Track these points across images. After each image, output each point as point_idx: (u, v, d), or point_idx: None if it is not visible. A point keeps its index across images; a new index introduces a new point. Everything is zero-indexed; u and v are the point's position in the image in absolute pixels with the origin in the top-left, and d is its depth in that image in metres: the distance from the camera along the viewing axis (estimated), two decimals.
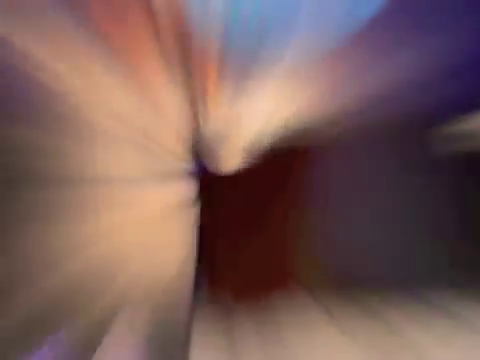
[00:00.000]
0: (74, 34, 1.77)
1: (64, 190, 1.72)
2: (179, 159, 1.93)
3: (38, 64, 1.55)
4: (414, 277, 3.76)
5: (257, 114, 3.39)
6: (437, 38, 3.21)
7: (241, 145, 2.00)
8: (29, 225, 1.57)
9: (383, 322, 3.79)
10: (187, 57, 1.90)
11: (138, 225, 1.86)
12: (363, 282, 3.51)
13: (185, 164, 1.95)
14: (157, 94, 1.87)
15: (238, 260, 4.50)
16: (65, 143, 1.64)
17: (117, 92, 1.79)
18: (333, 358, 3.17)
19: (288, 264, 4.75)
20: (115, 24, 1.83)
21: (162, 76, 1.82)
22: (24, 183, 1.64)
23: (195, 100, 1.99)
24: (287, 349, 3.00)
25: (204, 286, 4.04)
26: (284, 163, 4.24)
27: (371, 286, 3.40)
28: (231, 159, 2.02)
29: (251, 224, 4.48)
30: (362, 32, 3.72)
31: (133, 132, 1.79)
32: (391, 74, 3.71)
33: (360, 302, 3.32)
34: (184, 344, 2.03)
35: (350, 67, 3.88)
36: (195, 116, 1.98)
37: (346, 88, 3.34)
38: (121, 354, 2.65)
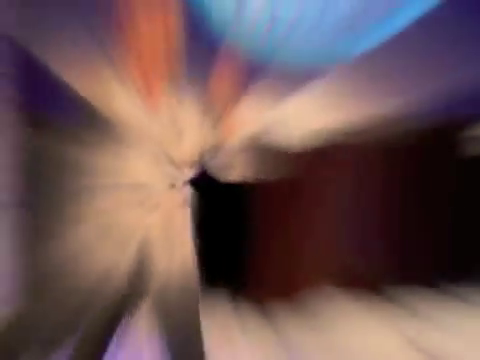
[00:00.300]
0: (95, 54, 1.94)
1: (102, 193, 1.96)
2: (189, 168, 2.11)
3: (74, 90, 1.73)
4: (431, 270, 3.97)
5: (287, 123, 3.59)
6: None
7: (248, 155, 2.16)
8: (78, 223, 1.82)
9: (405, 308, 4.03)
10: (204, 78, 2.08)
11: (156, 224, 2.05)
12: (387, 277, 3.76)
13: (193, 172, 2.11)
14: (173, 113, 2.05)
15: (274, 261, 4.74)
16: (105, 158, 1.88)
17: (140, 113, 1.98)
18: (367, 342, 3.37)
19: (319, 262, 4.98)
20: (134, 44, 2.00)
21: (176, 96, 2.01)
22: (74, 190, 1.89)
23: (209, 117, 2.16)
24: (326, 336, 3.23)
25: (244, 286, 4.23)
26: (312, 167, 4.45)
27: (394, 280, 3.68)
28: (238, 169, 2.17)
29: (283, 225, 4.71)
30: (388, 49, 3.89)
31: (152, 146, 1.98)
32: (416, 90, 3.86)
33: (384, 293, 3.60)
34: (197, 334, 2.19)
35: (377, 84, 4.04)
36: (207, 131, 2.16)
37: (373, 102, 3.56)
38: (138, 348, 2.84)
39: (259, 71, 5.51)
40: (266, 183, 4.38)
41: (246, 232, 4.53)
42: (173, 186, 2.25)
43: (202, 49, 2.38)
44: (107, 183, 2.09)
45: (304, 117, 4.16)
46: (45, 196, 2.18)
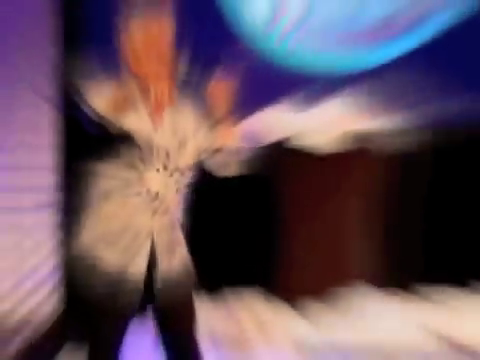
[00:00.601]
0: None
1: (120, 199, 2.29)
2: (190, 172, 2.35)
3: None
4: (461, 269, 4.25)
5: (314, 129, 3.83)
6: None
7: (239, 156, 2.38)
8: (100, 223, 2.14)
9: (434, 303, 4.22)
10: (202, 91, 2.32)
11: (164, 227, 2.31)
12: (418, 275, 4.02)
13: (193, 176, 2.34)
14: (175, 123, 2.30)
15: (305, 259, 4.89)
16: (121, 168, 2.21)
17: (147, 127, 2.25)
18: (395, 338, 3.58)
19: (349, 260, 5.13)
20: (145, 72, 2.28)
21: (177, 106, 2.27)
22: (97, 195, 2.23)
23: (208, 122, 2.39)
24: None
25: (276, 283, 4.44)
26: (339, 167, 4.61)
27: (425, 278, 3.92)
28: (231, 168, 2.38)
29: (314, 225, 4.86)
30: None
31: (161, 156, 2.26)
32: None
33: (415, 290, 3.86)
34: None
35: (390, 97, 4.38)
36: (206, 135, 2.39)
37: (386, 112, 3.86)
38: (144, 351, 3.06)
39: (281, 77, 5.63)
40: (295, 185, 4.51)
41: (277, 232, 4.66)
42: (178, 191, 2.44)
43: (201, 56, 2.55)
44: (124, 191, 2.34)
45: (328, 123, 4.29)
46: (75, 198, 2.40)
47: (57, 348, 4.08)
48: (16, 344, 4.70)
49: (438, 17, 5.27)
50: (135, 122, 2.36)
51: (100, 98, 2.23)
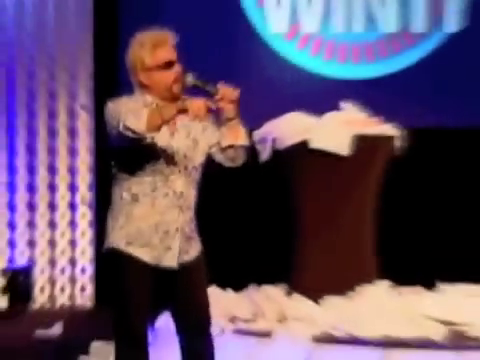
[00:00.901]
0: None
1: (150, 200, 2.59)
2: (201, 167, 2.58)
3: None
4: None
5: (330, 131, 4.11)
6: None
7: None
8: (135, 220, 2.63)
9: (438, 292, 4.43)
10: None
11: (185, 220, 2.55)
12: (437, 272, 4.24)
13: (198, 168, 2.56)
14: (188, 128, 2.55)
15: (321, 260, 5.04)
16: (157, 175, 2.51)
17: (166, 135, 2.50)
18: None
19: (365, 261, 5.28)
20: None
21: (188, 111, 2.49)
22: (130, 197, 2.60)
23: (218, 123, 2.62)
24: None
25: (298, 279, 4.63)
26: (354, 168, 4.75)
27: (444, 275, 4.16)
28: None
29: (331, 226, 5.00)
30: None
31: (181, 159, 2.50)
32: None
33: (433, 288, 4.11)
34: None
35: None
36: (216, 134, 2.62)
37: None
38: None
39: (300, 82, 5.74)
40: (315, 186, 4.57)
41: (299, 231, 4.73)
42: (194, 187, 2.66)
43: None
44: (153, 194, 2.59)
45: (340, 127, 4.38)
46: (108, 200, 2.65)
47: (87, 342, 4.26)
48: (56, 329, 4.94)
49: (436, 34, 5.60)
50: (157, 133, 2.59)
51: (137, 119, 2.41)
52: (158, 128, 2.45)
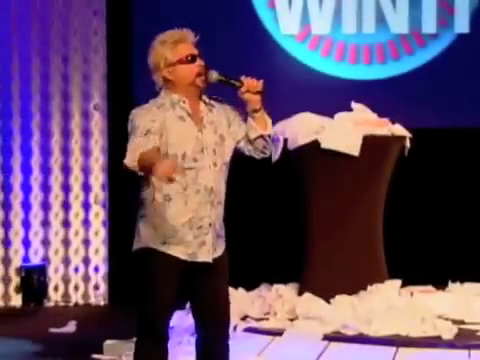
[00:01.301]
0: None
1: (186, 196, 2.61)
2: (230, 163, 2.61)
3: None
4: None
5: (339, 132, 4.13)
6: None
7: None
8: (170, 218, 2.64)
9: (449, 291, 4.47)
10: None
11: (216, 215, 2.58)
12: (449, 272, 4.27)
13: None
14: (214, 122, 2.59)
15: (333, 259, 5.06)
16: (188, 173, 2.60)
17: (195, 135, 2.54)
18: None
19: (376, 260, 5.30)
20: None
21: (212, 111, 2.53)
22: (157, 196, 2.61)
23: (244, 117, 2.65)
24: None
25: (305, 282, 4.62)
26: (365, 168, 4.74)
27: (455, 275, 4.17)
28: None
29: (342, 225, 5.02)
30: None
31: (210, 154, 2.52)
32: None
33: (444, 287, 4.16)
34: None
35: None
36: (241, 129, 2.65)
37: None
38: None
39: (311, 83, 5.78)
40: (328, 184, 4.59)
41: (309, 229, 4.76)
42: (224, 182, 2.69)
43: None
44: (185, 192, 2.62)
45: (351, 127, 4.41)
46: (138, 201, 2.70)
47: (100, 340, 4.29)
48: (69, 327, 5.00)
49: (446, 34, 5.63)
50: (185, 129, 2.64)
51: (132, 160, 2.45)
52: (147, 169, 2.44)
